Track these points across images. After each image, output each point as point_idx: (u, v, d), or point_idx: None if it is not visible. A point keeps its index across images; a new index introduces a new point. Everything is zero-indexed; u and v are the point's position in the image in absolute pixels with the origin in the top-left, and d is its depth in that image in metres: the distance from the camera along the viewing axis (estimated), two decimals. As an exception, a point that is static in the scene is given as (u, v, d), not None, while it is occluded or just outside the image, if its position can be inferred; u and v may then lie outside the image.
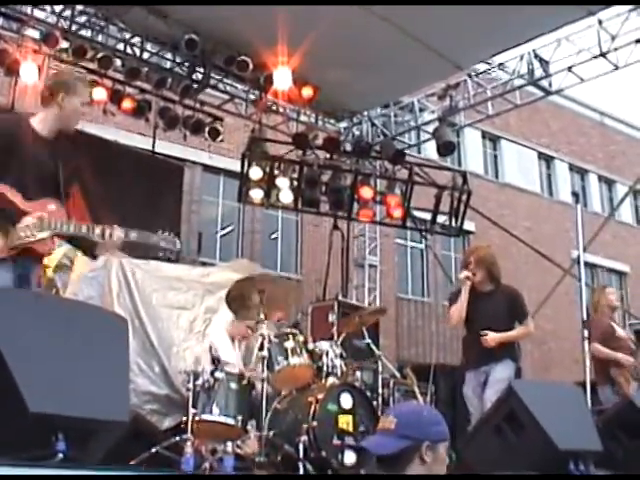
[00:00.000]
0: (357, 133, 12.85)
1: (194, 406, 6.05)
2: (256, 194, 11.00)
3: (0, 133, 4.68)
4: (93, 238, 4.75)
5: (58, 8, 9.57)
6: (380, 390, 7.84)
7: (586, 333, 7.08)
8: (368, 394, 6.35)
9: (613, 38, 10.05)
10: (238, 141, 12.65)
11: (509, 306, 7.14)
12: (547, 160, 25.23)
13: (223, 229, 17.51)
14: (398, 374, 8.89)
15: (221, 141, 11.73)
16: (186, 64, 10.44)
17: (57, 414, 3.12)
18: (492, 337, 6.87)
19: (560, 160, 25.31)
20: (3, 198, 4.56)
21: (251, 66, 10.07)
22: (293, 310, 10.90)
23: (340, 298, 10.82)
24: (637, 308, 21.18)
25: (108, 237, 4.73)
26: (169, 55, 10.42)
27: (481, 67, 11.87)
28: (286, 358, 6.29)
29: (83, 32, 9.78)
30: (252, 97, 11.54)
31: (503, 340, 6.93)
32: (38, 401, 3.03)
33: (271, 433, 5.81)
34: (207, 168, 16.70)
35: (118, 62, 10.09)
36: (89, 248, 5.00)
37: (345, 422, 5.90)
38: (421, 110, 12.63)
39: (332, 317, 8.48)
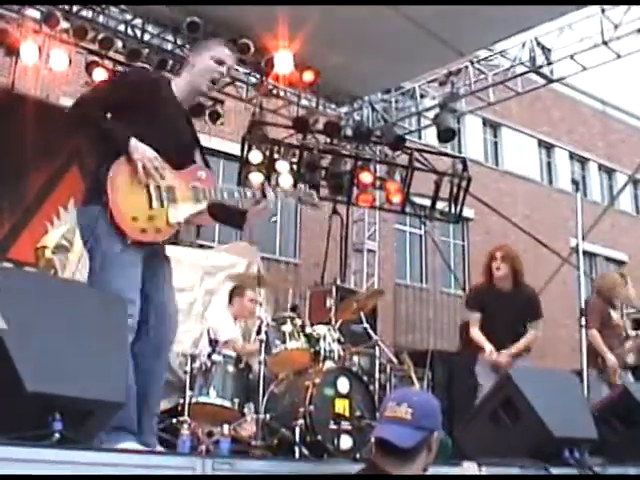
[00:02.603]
0: (358, 118, 12.81)
1: (191, 388, 6.08)
2: (256, 178, 10.98)
3: (146, 87, 4.34)
4: (244, 203, 4.48)
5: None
6: (377, 375, 7.86)
7: (583, 318, 7.09)
8: (365, 379, 6.35)
9: (616, 27, 10.03)
10: (238, 124, 12.64)
11: (526, 306, 7.25)
12: (547, 148, 25.22)
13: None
14: (395, 359, 8.90)
15: (221, 124, 11.71)
16: (187, 46, 10.40)
17: (54, 394, 3.12)
18: (505, 357, 6.94)
19: (560, 148, 25.29)
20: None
21: (252, 49, 10.03)
22: (290, 294, 10.93)
23: (338, 283, 10.81)
24: (636, 297, 21.19)
25: (261, 198, 4.45)
26: (170, 37, 10.38)
27: (482, 54, 11.84)
28: (283, 342, 6.31)
29: (84, 13, 9.72)
30: (253, 80, 11.52)
31: (515, 354, 7.01)
32: (35, 381, 3.03)
33: (268, 416, 5.82)
34: (207, 151, 16.63)
35: (119, 43, 10.06)
36: (235, 217, 4.61)
37: (342, 406, 5.91)
38: (422, 96, 12.61)
39: (330, 302, 8.46)
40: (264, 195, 4.45)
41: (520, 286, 7.24)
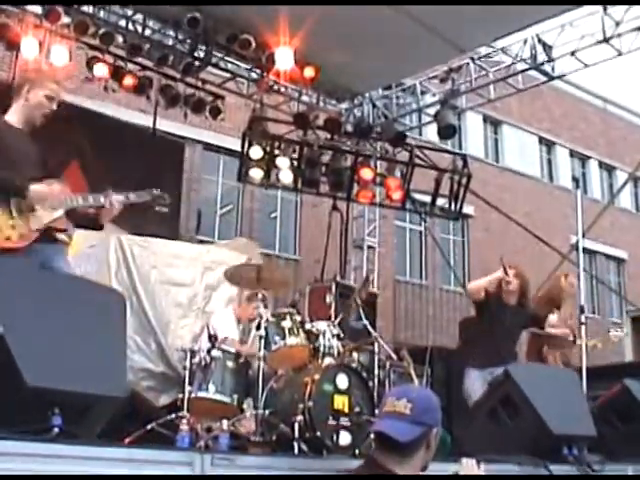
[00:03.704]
0: (358, 114, 12.80)
1: (190, 384, 6.07)
2: (256, 173, 10.96)
3: None
4: (98, 205, 4.99)
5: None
6: (376, 371, 7.86)
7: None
8: (364, 375, 6.34)
9: (617, 24, 10.03)
10: (239, 120, 12.61)
11: (530, 323, 7.51)
12: (548, 145, 25.20)
13: (222, 208, 17.47)
14: (394, 356, 8.90)
15: (222, 120, 11.69)
16: (188, 42, 10.38)
17: (54, 388, 3.13)
18: None
19: (561, 145, 25.27)
20: None
21: (253, 45, 10.02)
22: (290, 290, 10.91)
23: (338, 279, 10.80)
24: (635, 295, 21.20)
25: (109, 203, 4.98)
26: (171, 32, 10.35)
27: (484, 50, 11.83)
28: (283, 338, 6.29)
29: (85, 8, 9.71)
30: (254, 76, 11.51)
31: None
32: (35, 375, 3.04)
33: (267, 412, 5.82)
34: (207, 146, 16.65)
35: (120, 38, 10.04)
36: (94, 220, 5.19)
37: (341, 403, 5.90)
38: (423, 93, 12.60)
39: (330, 298, 8.47)
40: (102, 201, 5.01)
41: (524, 305, 7.38)
